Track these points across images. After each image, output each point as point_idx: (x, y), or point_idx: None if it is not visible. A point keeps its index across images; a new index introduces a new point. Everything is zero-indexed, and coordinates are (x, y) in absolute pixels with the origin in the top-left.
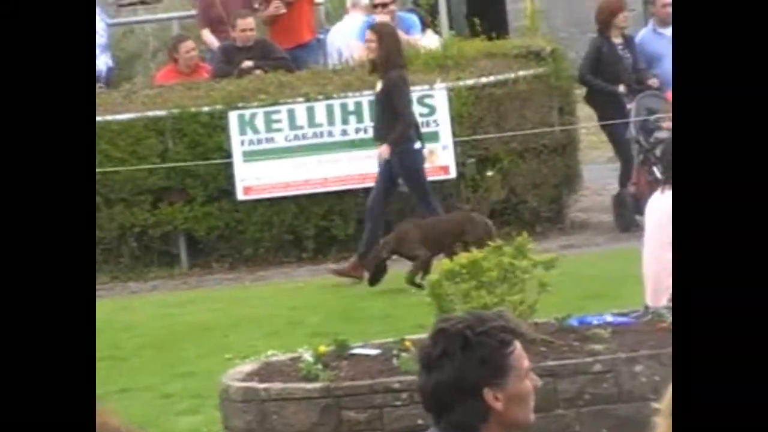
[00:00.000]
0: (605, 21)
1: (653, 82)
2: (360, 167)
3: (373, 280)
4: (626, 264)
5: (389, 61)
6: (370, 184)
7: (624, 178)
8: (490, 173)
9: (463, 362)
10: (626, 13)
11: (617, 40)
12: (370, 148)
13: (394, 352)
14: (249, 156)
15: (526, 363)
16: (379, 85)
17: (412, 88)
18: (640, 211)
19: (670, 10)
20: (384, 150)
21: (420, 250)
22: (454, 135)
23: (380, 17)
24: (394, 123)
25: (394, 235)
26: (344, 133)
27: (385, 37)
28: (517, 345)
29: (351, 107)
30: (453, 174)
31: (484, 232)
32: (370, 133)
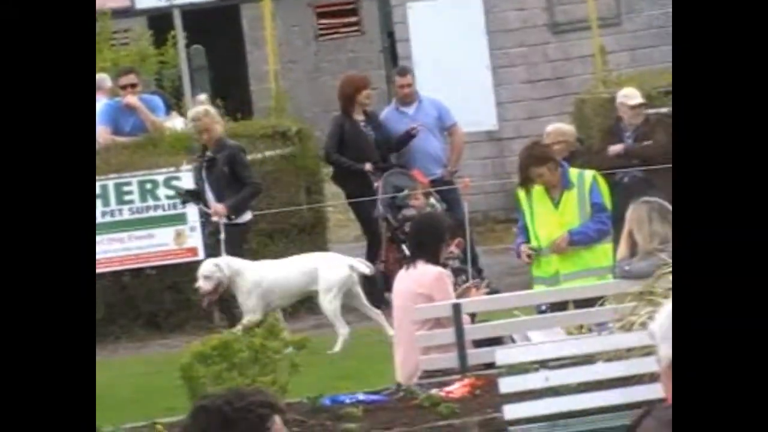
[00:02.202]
0: (348, 98)
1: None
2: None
3: None
4: (376, 342)
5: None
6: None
7: (372, 256)
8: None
9: None
10: (369, 91)
11: (359, 117)
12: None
13: None
14: None
15: None
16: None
17: (158, 170)
18: (390, 288)
19: (407, 90)
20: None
21: None
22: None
23: (127, 99)
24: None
25: None
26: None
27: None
28: (277, 419)
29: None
30: (201, 256)
31: None
32: (118, 216)
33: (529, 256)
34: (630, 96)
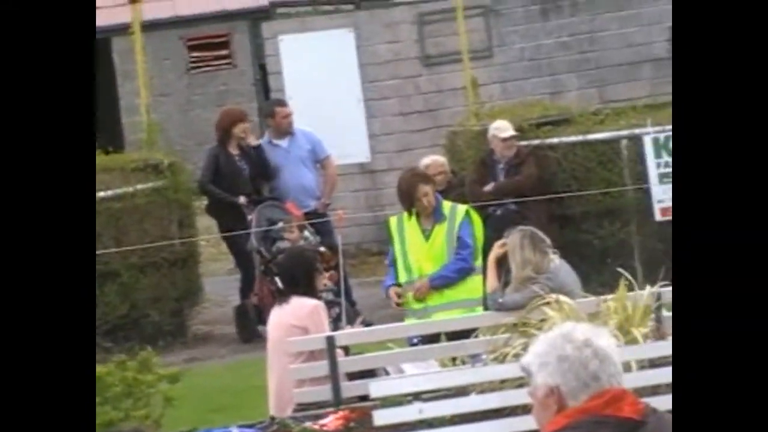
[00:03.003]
0: (225, 130)
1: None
2: None
3: None
4: (250, 375)
5: None
6: None
7: (245, 289)
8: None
9: None
10: (246, 124)
11: (234, 151)
12: None
13: None
14: None
15: None
16: None
17: None
18: (264, 321)
19: (289, 120)
20: None
21: None
22: None
23: None
24: None
25: None
26: None
27: None
28: None
29: None
30: None
31: None
32: None
33: (399, 295)
34: (501, 128)
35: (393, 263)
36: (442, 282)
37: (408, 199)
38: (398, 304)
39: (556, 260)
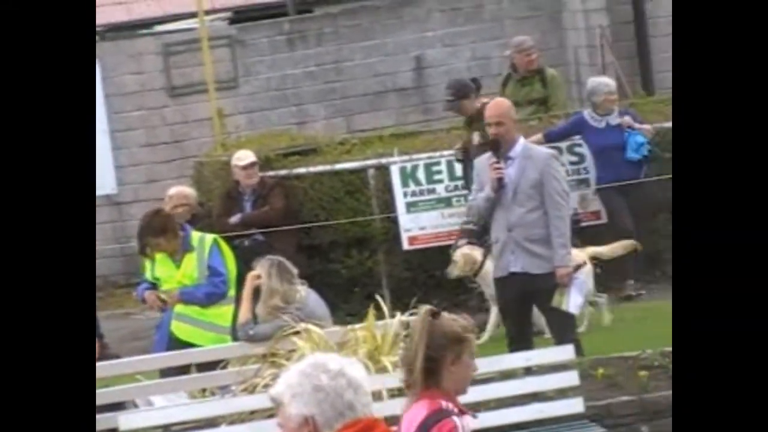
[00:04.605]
0: None
1: None
2: None
3: None
4: None
5: None
6: None
7: None
8: None
9: None
10: None
11: None
12: None
13: None
14: None
15: None
16: None
17: None
18: None
19: None
20: None
21: None
22: None
23: None
24: None
25: None
26: None
27: None
28: None
29: None
30: None
31: None
32: None
33: (163, 301)
34: (241, 158)
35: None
36: (190, 298)
37: (143, 247)
38: (161, 307)
39: (304, 290)
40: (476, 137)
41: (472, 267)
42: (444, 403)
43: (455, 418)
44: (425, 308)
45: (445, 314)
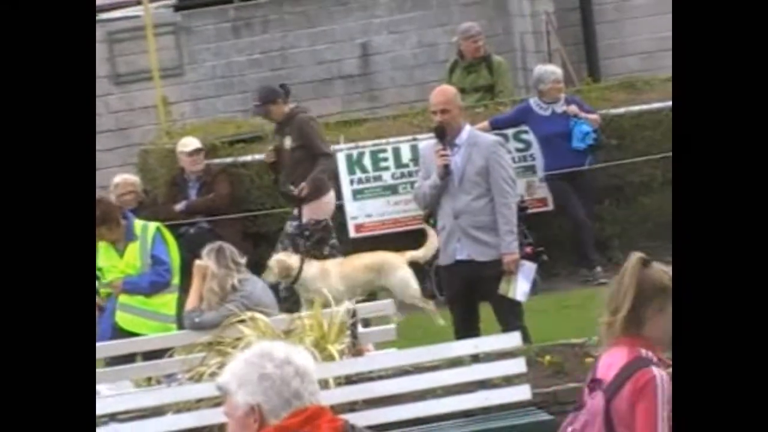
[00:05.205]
0: None
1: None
2: None
3: None
4: None
5: None
6: None
7: None
8: None
9: None
10: None
11: None
12: None
13: None
14: None
15: None
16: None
17: None
18: None
19: None
20: None
21: None
22: None
23: None
24: None
25: None
26: None
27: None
28: None
29: None
30: None
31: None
32: None
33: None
34: (186, 144)
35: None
36: (134, 288)
37: None
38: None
39: (251, 278)
40: (288, 142)
41: (288, 273)
42: (644, 352)
43: (654, 368)
44: (637, 256)
45: (655, 264)
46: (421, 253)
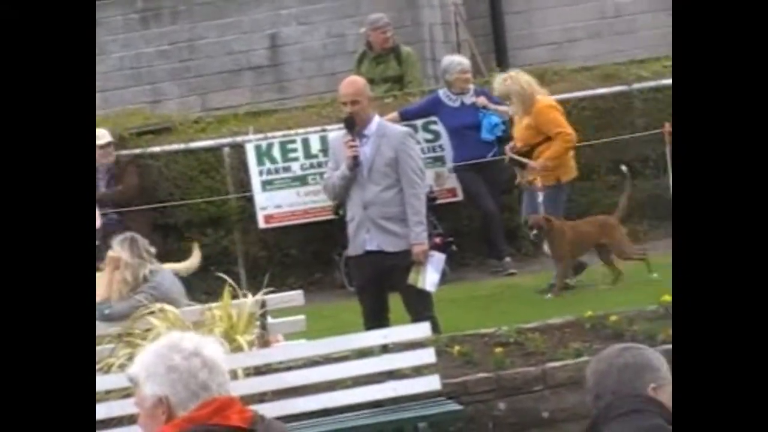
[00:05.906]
0: None
1: None
2: None
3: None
4: None
5: None
6: None
7: None
8: None
9: None
10: None
11: None
12: None
13: None
14: None
15: None
16: None
17: None
18: None
19: None
20: None
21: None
22: None
23: None
24: None
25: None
26: None
27: None
28: None
29: None
30: None
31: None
32: None
33: None
34: (98, 136)
35: None
36: None
37: None
38: None
39: (161, 269)
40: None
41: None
42: None
43: None
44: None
45: None
46: (182, 266)
